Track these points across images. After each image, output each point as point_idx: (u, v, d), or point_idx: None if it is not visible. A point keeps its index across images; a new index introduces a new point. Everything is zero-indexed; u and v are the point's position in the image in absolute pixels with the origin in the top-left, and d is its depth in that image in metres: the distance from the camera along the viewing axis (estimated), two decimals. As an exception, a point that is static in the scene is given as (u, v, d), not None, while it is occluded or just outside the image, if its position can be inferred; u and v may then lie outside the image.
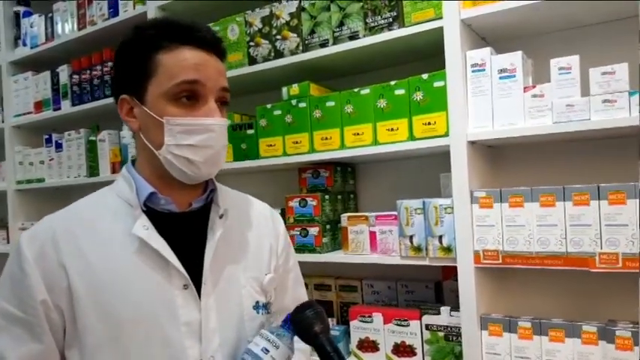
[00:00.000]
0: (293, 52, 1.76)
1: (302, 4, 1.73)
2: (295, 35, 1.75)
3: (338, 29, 1.66)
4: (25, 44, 2.70)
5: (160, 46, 0.87)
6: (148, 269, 0.87)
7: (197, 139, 0.87)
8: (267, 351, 0.87)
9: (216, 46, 0.91)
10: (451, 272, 1.66)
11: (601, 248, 1.27)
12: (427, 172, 1.74)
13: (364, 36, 1.61)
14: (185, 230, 0.93)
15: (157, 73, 0.86)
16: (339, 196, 1.85)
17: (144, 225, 0.88)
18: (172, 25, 0.89)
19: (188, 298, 0.88)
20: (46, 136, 2.61)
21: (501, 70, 1.40)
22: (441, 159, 1.58)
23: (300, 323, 0.89)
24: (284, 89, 1.78)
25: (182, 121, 0.86)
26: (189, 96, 0.87)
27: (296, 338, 0.91)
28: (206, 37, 0.90)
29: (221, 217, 0.95)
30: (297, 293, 1.11)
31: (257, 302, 0.97)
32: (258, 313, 0.96)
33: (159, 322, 0.85)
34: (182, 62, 0.86)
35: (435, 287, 1.72)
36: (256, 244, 1.02)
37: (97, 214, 0.91)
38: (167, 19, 0.92)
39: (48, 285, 0.84)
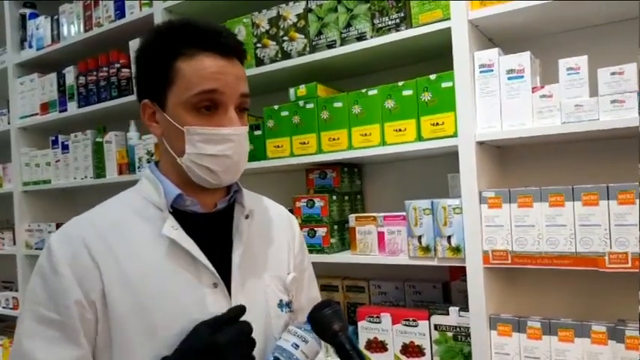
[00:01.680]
0: (300, 54, 1.76)
1: (309, 5, 1.74)
2: (302, 36, 1.76)
3: (345, 30, 1.67)
4: (31, 46, 2.70)
5: (179, 52, 0.87)
6: (179, 268, 0.88)
7: (217, 149, 0.88)
8: (297, 346, 0.88)
9: (236, 51, 0.91)
10: (459, 272, 1.66)
11: (610, 248, 1.27)
12: (434, 172, 1.75)
13: (371, 37, 1.62)
14: (211, 230, 0.94)
15: (177, 81, 0.87)
16: (347, 197, 1.85)
17: (172, 226, 0.89)
18: (192, 29, 0.89)
19: (219, 297, 0.89)
20: (53, 138, 2.62)
21: (509, 71, 1.40)
22: (448, 159, 1.58)
23: (319, 322, 0.89)
24: (291, 90, 1.79)
25: (202, 131, 0.87)
26: (208, 105, 0.87)
27: None
28: (226, 43, 0.89)
29: (247, 217, 0.97)
30: (311, 292, 1.13)
31: (281, 300, 0.99)
32: (282, 311, 0.98)
33: (192, 320, 0.85)
34: (201, 71, 0.86)
35: (442, 287, 1.72)
36: (277, 244, 1.04)
37: (124, 215, 0.91)
38: (187, 22, 0.91)
39: (82, 285, 0.83)
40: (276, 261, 1.01)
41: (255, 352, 0.91)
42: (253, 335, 0.88)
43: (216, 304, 0.88)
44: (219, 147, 0.88)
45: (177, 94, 0.87)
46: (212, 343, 0.80)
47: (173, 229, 0.88)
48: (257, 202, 1.06)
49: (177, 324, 0.85)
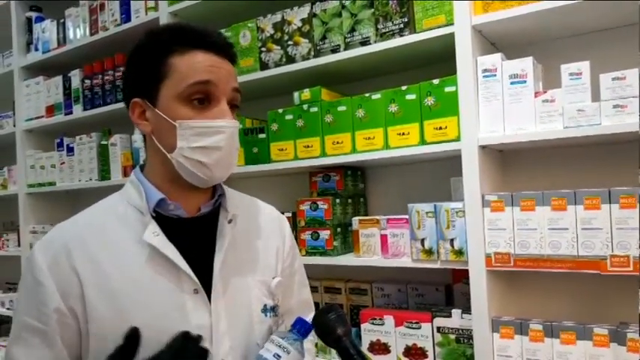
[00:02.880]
0: (305, 58, 1.78)
1: (314, 10, 1.76)
2: (307, 41, 1.78)
3: (349, 35, 1.68)
4: (37, 49, 2.72)
5: (173, 50, 0.89)
6: (159, 275, 0.88)
7: (209, 141, 0.88)
8: (278, 357, 0.87)
9: (227, 51, 0.94)
10: (461, 275, 1.67)
11: (612, 251, 1.28)
12: (436, 176, 1.76)
13: (375, 42, 1.63)
14: (194, 235, 0.94)
15: (170, 75, 0.88)
16: (350, 200, 1.86)
17: (154, 231, 0.89)
18: (185, 29, 0.92)
19: (199, 303, 0.89)
20: (58, 140, 2.64)
21: (512, 76, 1.42)
22: (450, 163, 1.59)
23: (323, 327, 0.90)
24: (295, 94, 1.81)
25: (194, 124, 0.88)
26: (201, 98, 0.88)
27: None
28: (218, 41, 0.92)
29: (230, 222, 0.96)
30: (302, 295, 1.12)
31: (265, 305, 0.98)
32: (266, 316, 0.98)
33: (171, 326, 0.86)
34: (195, 64, 0.88)
35: (445, 290, 1.73)
36: (264, 248, 1.03)
37: (107, 221, 0.92)
38: (179, 24, 0.94)
39: (62, 292, 0.85)
40: (262, 265, 1.01)
41: (238, 357, 0.92)
42: (234, 342, 0.90)
43: (196, 311, 0.89)
44: (211, 139, 0.88)
45: (170, 87, 0.88)
46: None
47: (154, 235, 0.88)
48: (244, 204, 1.05)
49: (156, 330, 0.84)
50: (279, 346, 0.88)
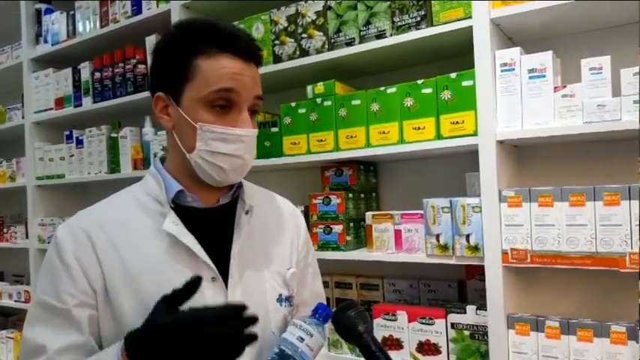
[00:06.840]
0: (319, 51, 1.76)
1: (328, 2, 1.74)
2: (321, 34, 1.76)
3: (365, 28, 1.67)
4: (46, 41, 2.71)
5: (199, 51, 0.89)
6: (178, 264, 0.90)
7: (228, 148, 0.90)
8: (302, 339, 0.89)
9: (254, 56, 0.93)
10: (475, 271, 1.66)
11: (631, 248, 1.27)
12: (450, 171, 1.75)
13: (391, 35, 1.62)
14: (212, 225, 0.96)
15: (195, 78, 0.89)
16: (362, 195, 1.85)
17: (173, 221, 0.91)
18: (214, 30, 0.91)
19: (216, 290, 0.92)
20: (67, 133, 2.63)
21: (531, 70, 1.40)
22: (465, 158, 1.58)
23: (343, 323, 0.90)
24: (309, 87, 1.79)
25: (215, 129, 0.89)
26: (223, 104, 0.89)
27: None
28: (245, 46, 0.91)
29: (247, 212, 0.98)
30: (315, 287, 1.14)
31: (280, 295, 1.00)
32: (281, 305, 1.00)
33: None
34: (220, 70, 0.88)
35: (458, 286, 1.72)
36: (279, 240, 1.05)
37: (127, 210, 0.94)
38: (209, 22, 0.93)
39: (86, 275, 0.87)
40: (277, 256, 1.03)
41: (251, 346, 0.92)
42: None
43: (213, 298, 0.91)
44: (231, 146, 0.90)
45: (194, 90, 0.89)
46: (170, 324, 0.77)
47: (173, 225, 0.90)
48: (261, 197, 1.07)
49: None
50: (302, 330, 0.91)
